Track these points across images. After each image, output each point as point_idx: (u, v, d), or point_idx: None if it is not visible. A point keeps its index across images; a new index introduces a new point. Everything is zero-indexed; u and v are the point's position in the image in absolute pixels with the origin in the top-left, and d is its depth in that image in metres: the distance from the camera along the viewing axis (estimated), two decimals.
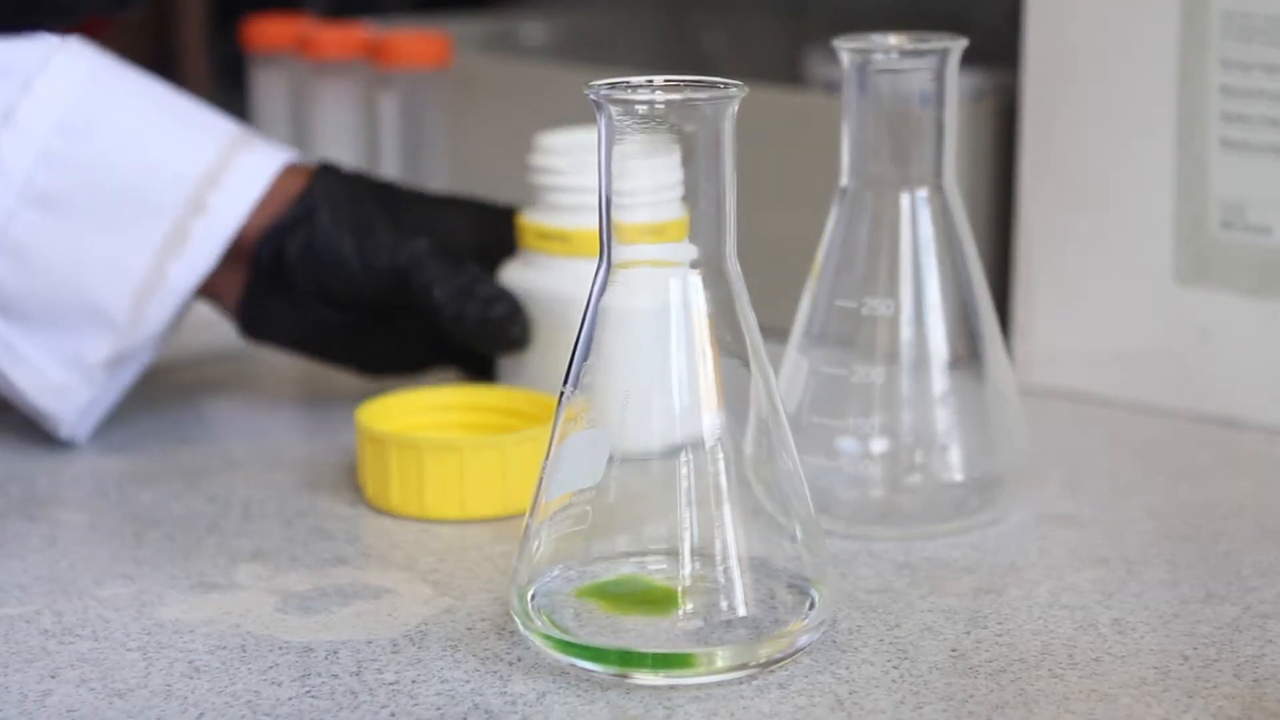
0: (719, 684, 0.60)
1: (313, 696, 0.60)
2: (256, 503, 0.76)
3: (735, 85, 0.60)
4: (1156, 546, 0.72)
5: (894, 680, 0.61)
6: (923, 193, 0.72)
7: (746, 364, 0.61)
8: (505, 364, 0.85)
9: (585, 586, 0.63)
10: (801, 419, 0.72)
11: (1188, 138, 0.85)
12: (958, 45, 0.71)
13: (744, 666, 0.60)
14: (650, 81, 0.60)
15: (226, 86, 1.42)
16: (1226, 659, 0.62)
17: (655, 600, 0.62)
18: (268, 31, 1.15)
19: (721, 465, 0.60)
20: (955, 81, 0.71)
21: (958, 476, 0.73)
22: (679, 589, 0.61)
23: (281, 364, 0.95)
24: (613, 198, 0.60)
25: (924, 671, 0.61)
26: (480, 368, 0.86)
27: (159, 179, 0.80)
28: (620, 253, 0.61)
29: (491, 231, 0.85)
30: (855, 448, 0.73)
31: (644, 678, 0.60)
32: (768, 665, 0.60)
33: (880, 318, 0.72)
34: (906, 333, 0.72)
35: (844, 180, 0.72)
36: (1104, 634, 0.64)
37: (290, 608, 0.66)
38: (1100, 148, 0.87)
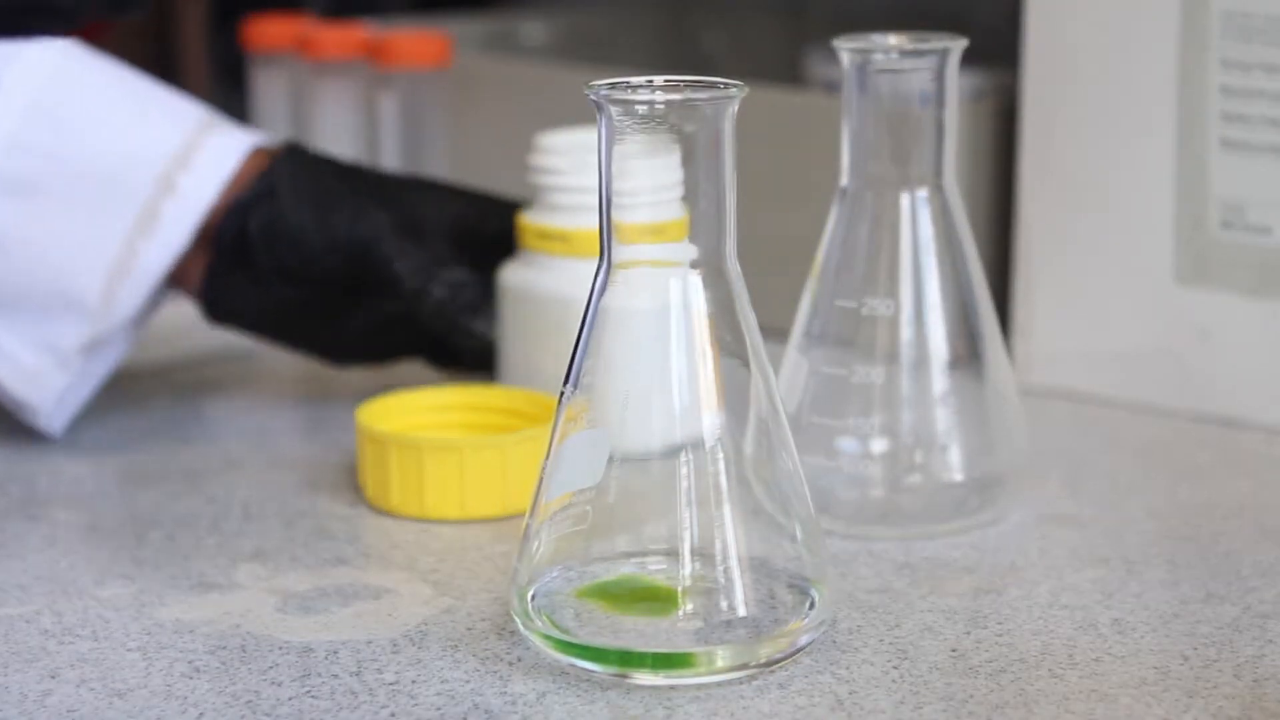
0: (719, 684, 0.60)
1: (313, 696, 0.60)
2: (257, 503, 0.76)
3: (735, 85, 0.60)
4: (1156, 546, 0.72)
5: (894, 680, 0.61)
6: (923, 193, 0.72)
7: (746, 364, 0.61)
8: (506, 364, 0.85)
9: (585, 586, 0.63)
10: (801, 419, 0.72)
11: (1188, 138, 0.85)
12: (958, 45, 0.71)
13: (744, 666, 0.60)
14: (650, 81, 0.60)
15: (226, 86, 1.42)
16: (1226, 659, 0.62)
17: (655, 600, 0.62)
18: (268, 31, 1.15)
19: (721, 465, 0.60)
20: (955, 81, 0.71)
21: (958, 476, 0.73)
22: (679, 589, 0.61)
23: (281, 364, 0.95)
24: (613, 198, 0.60)
25: (924, 671, 0.61)
26: (449, 358, 0.86)
27: (128, 162, 0.80)
28: (620, 253, 0.61)
29: (467, 216, 0.85)
30: (855, 448, 0.73)
31: (644, 678, 0.60)
32: (768, 665, 0.60)
33: (880, 318, 0.72)
34: (906, 333, 0.72)
35: (844, 180, 0.72)
36: (1104, 634, 0.64)
37: (290, 608, 0.66)
38: (1100, 148, 0.87)
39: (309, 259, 0.82)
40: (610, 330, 0.61)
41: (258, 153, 0.83)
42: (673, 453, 0.60)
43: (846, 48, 0.71)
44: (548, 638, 0.61)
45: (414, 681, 0.61)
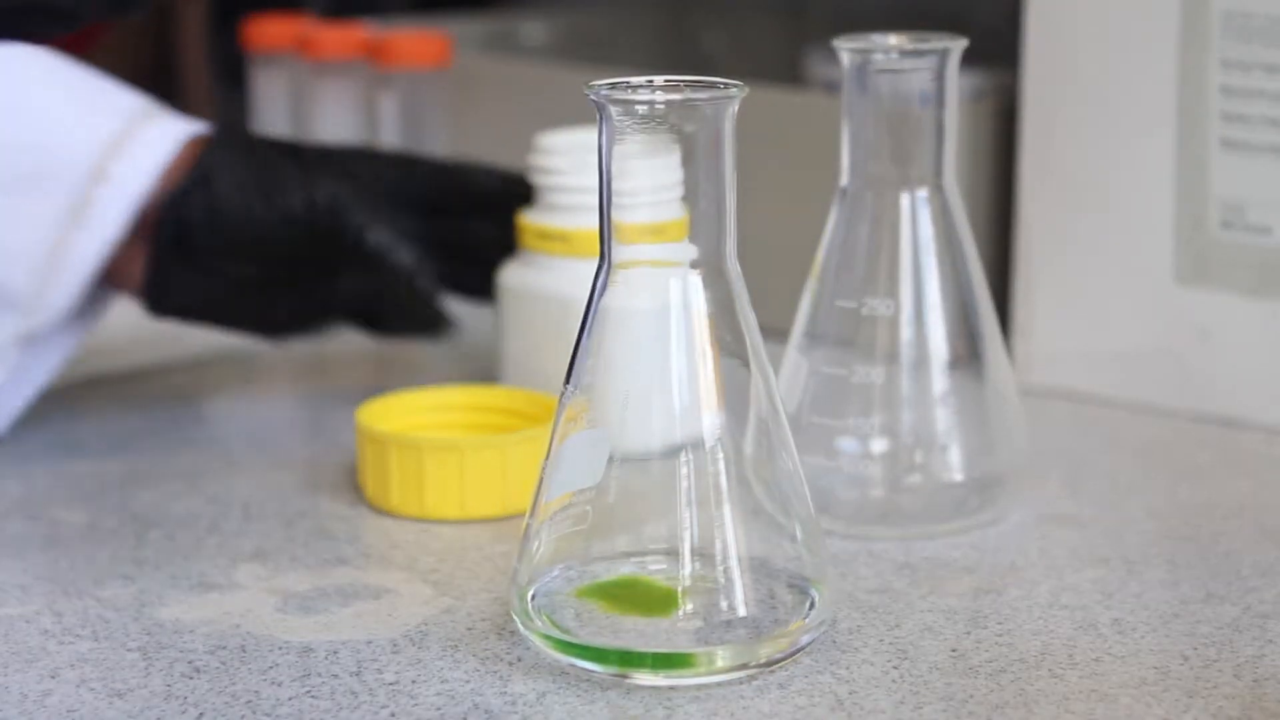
0: (719, 684, 0.60)
1: (313, 696, 0.60)
2: (257, 503, 0.76)
3: (735, 85, 0.60)
4: (1156, 546, 0.72)
5: (894, 680, 0.61)
6: (923, 193, 0.72)
7: (746, 364, 0.61)
8: (506, 364, 0.85)
9: (585, 586, 0.63)
10: (801, 419, 0.72)
11: (1188, 138, 0.85)
12: (958, 45, 0.71)
13: (744, 666, 0.60)
14: (650, 81, 0.60)
15: (226, 86, 1.42)
16: (1226, 659, 0.62)
17: (655, 600, 0.62)
18: (268, 31, 1.15)
19: (721, 465, 0.60)
20: (955, 81, 0.71)
21: (958, 476, 0.73)
22: (679, 589, 0.61)
23: (281, 364, 0.95)
24: (613, 198, 0.60)
25: (924, 671, 0.61)
26: (383, 325, 0.86)
27: (60, 150, 0.78)
28: (620, 253, 0.61)
29: (410, 181, 0.85)
30: (855, 448, 0.73)
31: (644, 678, 0.60)
32: (768, 665, 0.60)
33: (880, 318, 0.72)
34: (906, 333, 0.72)
35: (844, 180, 0.72)
36: (1104, 634, 0.64)
37: (290, 608, 0.66)
38: (1100, 148, 0.87)
39: (261, 237, 0.81)
40: (610, 330, 0.61)
41: (194, 141, 0.81)
42: (673, 453, 0.60)
43: (846, 48, 0.71)
44: (548, 638, 0.61)
45: (414, 681, 0.61)
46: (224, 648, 0.63)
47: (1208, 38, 0.83)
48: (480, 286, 0.87)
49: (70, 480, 0.79)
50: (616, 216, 0.60)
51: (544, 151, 0.84)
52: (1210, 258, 0.85)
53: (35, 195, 0.78)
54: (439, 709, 0.59)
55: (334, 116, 1.10)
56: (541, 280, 0.83)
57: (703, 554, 0.60)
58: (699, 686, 0.60)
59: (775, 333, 0.70)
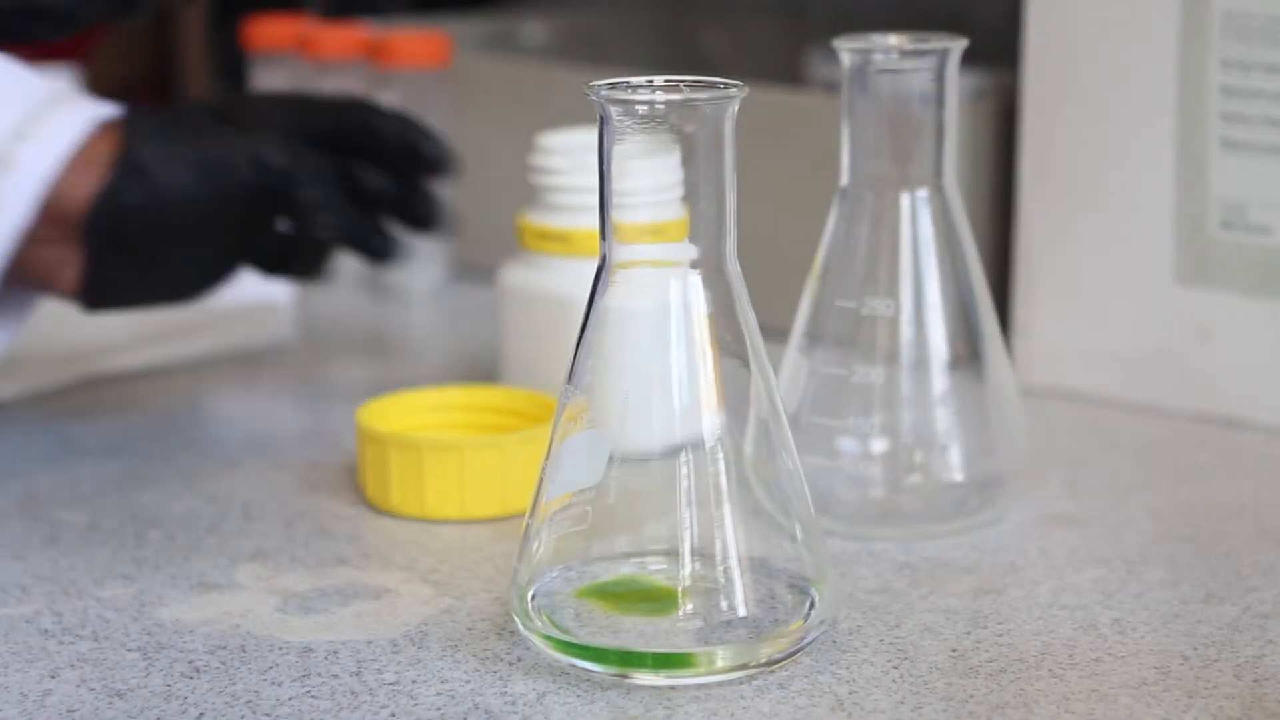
0: (719, 684, 0.60)
1: (313, 696, 0.60)
2: (257, 503, 0.76)
3: (735, 85, 0.60)
4: (1156, 546, 0.72)
5: (894, 680, 0.61)
6: (923, 193, 0.72)
7: (746, 364, 0.61)
8: (506, 364, 0.85)
9: (585, 586, 0.63)
10: (801, 419, 0.72)
11: (1188, 138, 0.85)
12: (958, 45, 0.71)
13: (744, 666, 0.60)
14: (650, 81, 0.60)
15: (226, 86, 1.42)
16: (1226, 659, 0.62)
17: (655, 600, 0.62)
18: (268, 31, 1.15)
19: (721, 465, 0.60)
20: (955, 81, 0.71)
21: (958, 476, 0.73)
22: (679, 589, 0.61)
23: (282, 364, 0.95)
24: (613, 198, 0.60)
25: (924, 671, 0.61)
26: (286, 269, 0.84)
27: None
28: (620, 253, 0.61)
29: (318, 121, 0.83)
30: (855, 448, 0.73)
31: (644, 678, 0.60)
32: (768, 665, 0.60)
33: (880, 318, 0.72)
34: (906, 333, 0.72)
35: (844, 180, 0.72)
36: (1104, 634, 0.64)
37: (290, 608, 0.66)
38: (1100, 148, 0.87)
39: (208, 214, 0.79)
40: (610, 330, 0.61)
41: (109, 127, 0.79)
42: (673, 453, 0.60)
43: (846, 48, 0.71)
44: (548, 638, 0.61)
45: (414, 681, 0.61)
46: (224, 648, 0.63)
47: (1208, 38, 0.83)
48: (364, 242, 0.85)
49: (70, 480, 0.79)
50: (616, 216, 0.60)
51: (544, 151, 0.84)
52: (1210, 258, 0.85)
53: None
54: (439, 709, 0.59)
55: None
56: (541, 280, 0.83)
57: (703, 554, 0.60)
58: (699, 686, 0.60)
59: (775, 333, 0.70)
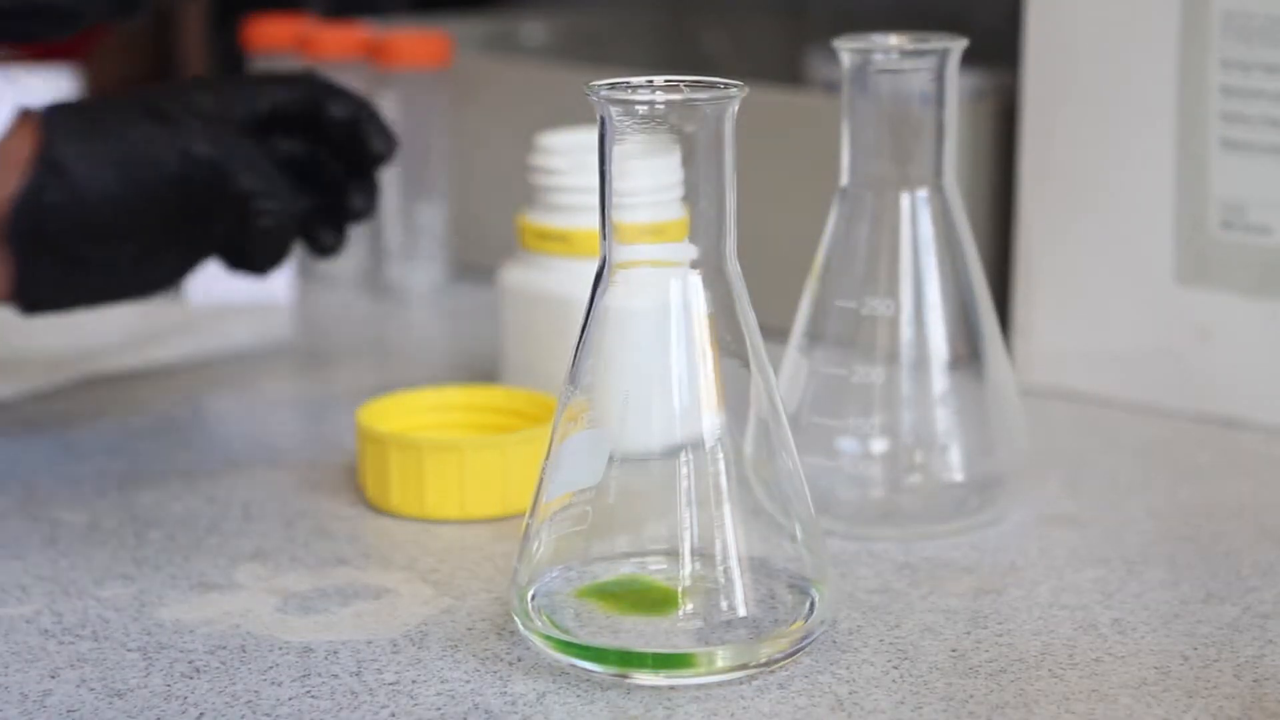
0: (719, 684, 0.60)
1: (313, 696, 0.60)
2: (256, 503, 0.76)
3: (735, 85, 0.60)
4: (1156, 546, 0.72)
5: (894, 680, 0.61)
6: (923, 193, 0.72)
7: (746, 364, 0.61)
8: (506, 364, 0.85)
9: (585, 587, 0.63)
10: (801, 419, 0.72)
11: (1188, 138, 0.85)
12: (958, 45, 0.71)
13: (744, 666, 0.60)
14: (650, 81, 0.60)
15: None
16: (1226, 659, 0.62)
17: (655, 600, 0.62)
18: (268, 31, 1.15)
19: (721, 465, 0.60)
20: (955, 81, 0.71)
21: (958, 476, 0.73)
22: (679, 589, 0.61)
23: (281, 364, 0.95)
24: (613, 198, 0.60)
25: (924, 671, 0.61)
26: (246, 261, 0.81)
27: None
28: (620, 253, 0.61)
29: (256, 105, 0.81)
30: (855, 448, 0.73)
31: (644, 678, 0.60)
32: (768, 665, 0.60)
33: (880, 318, 0.72)
34: (906, 333, 0.72)
35: (844, 180, 0.72)
36: (1104, 634, 0.64)
37: (290, 608, 0.66)
38: (1100, 148, 0.87)
39: (135, 210, 0.77)
40: (610, 330, 0.61)
41: (26, 123, 0.77)
42: (673, 453, 0.60)
43: (846, 48, 0.71)
44: (548, 638, 0.61)
45: (414, 681, 0.61)
46: (224, 648, 0.63)
47: (1208, 38, 0.83)
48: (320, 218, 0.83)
49: (70, 480, 0.79)
50: (617, 216, 0.60)
51: (544, 151, 0.84)
52: (1210, 258, 0.85)
53: None
54: (439, 709, 0.59)
55: None
56: (541, 280, 0.83)
57: (703, 554, 0.60)
58: (699, 686, 0.60)
59: (775, 333, 0.70)
